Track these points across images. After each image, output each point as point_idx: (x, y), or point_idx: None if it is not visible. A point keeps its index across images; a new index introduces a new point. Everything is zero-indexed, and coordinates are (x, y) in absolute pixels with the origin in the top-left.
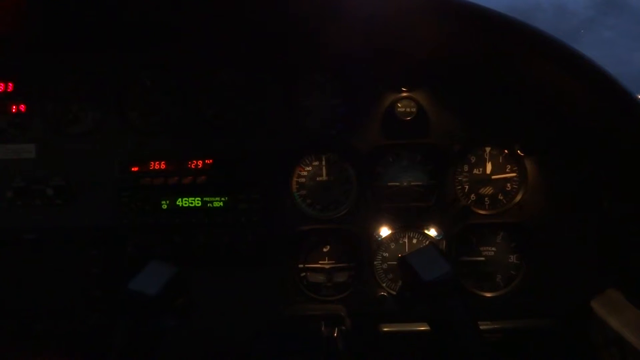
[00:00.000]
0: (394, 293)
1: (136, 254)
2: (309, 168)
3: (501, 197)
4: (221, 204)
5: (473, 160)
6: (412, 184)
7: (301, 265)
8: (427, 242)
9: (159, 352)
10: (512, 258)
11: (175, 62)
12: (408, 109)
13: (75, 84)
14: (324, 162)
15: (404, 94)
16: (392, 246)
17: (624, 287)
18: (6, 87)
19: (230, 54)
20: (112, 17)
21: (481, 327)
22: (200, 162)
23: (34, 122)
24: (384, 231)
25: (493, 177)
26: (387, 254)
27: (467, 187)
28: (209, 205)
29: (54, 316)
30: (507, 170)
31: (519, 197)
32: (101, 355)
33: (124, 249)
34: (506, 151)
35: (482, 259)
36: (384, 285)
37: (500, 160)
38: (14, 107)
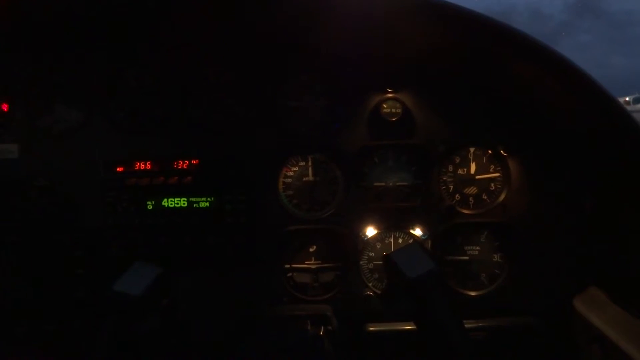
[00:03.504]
0: (380, 292)
1: (121, 254)
2: (296, 168)
3: (485, 197)
4: (207, 204)
5: (457, 161)
6: (398, 184)
7: (287, 266)
8: (412, 241)
9: (143, 353)
10: (496, 257)
11: (162, 62)
12: (393, 110)
13: (59, 83)
14: (310, 163)
15: (390, 95)
16: (378, 246)
17: (605, 285)
18: None
19: (218, 54)
20: (97, 16)
21: (466, 326)
22: (187, 162)
23: (16, 122)
24: (370, 231)
25: (477, 177)
26: (373, 254)
27: (451, 187)
28: (195, 205)
29: (37, 318)
30: (491, 170)
31: (502, 197)
32: (85, 356)
33: (108, 249)
34: (490, 151)
35: (467, 258)
36: (370, 284)
37: (484, 161)
38: None
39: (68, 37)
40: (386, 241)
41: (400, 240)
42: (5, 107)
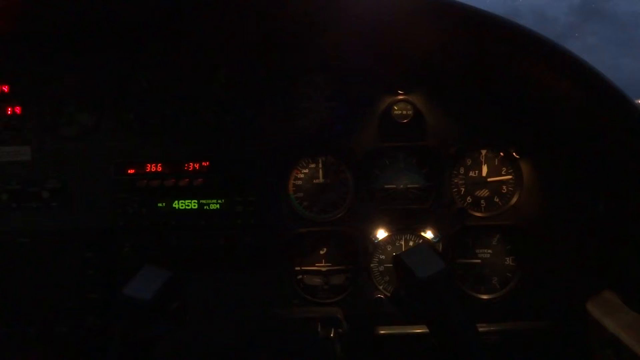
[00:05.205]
0: (390, 295)
1: (132, 256)
2: (306, 170)
3: (497, 200)
4: (217, 206)
5: (469, 163)
6: (409, 186)
7: (298, 268)
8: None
9: (154, 357)
10: (508, 260)
11: (172, 64)
12: (404, 112)
13: (71, 86)
14: (320, 165)
15: (401, 97)
16: (389, 248)
17: (619, 289)
18: (1, 89)
19: (228, 56)
20: (109, 17)
21: (478, 330)
22: (197, 164)
23: (29, 124)
24: (381, 233)
25: (489, 179)
26: (383, 257)
27: (463, 189)
28: (205, 207)
29: (49, 319)
30: (503, 172)
31: (514, 200)
32: (96, 358)
33: (119, 251)
34: (502, 153)
35: (478, 261)
36: (381, 287)
37: (496, 163)
38: (10, 109)
39: (80, 40)
40: (397, 244)
41: (411, 243)
42: (18, 109)
